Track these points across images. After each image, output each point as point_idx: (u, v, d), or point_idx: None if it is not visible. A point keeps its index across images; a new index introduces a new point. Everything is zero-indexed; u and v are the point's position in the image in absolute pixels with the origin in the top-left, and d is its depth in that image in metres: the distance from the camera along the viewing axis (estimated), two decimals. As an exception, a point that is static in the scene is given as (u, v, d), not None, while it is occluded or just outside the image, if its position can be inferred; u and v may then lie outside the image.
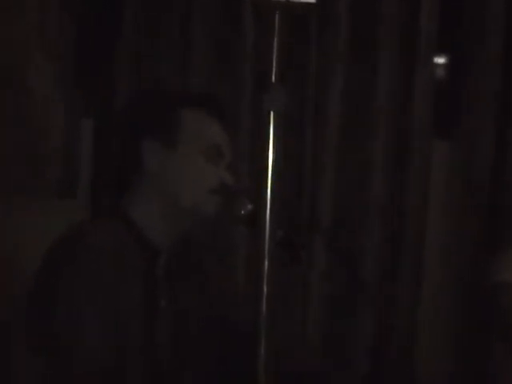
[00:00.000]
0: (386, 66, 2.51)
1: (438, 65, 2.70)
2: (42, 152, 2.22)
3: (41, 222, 2.13)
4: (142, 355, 1.60)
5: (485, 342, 2.50)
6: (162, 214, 1.66)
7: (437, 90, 2.59)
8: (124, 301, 1.56)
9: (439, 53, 2.68)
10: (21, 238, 2.11)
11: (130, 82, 2.30)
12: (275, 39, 1.16)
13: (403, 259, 2.53)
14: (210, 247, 1.90)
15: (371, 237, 2.50)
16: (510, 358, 2.23)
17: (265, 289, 1.16)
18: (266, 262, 1.17)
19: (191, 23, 2.34)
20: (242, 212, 1.65)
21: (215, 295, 1.81)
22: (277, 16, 1.14)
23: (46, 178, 2.22)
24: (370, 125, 2.51)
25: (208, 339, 1.75)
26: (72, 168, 2.27)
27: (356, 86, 2.51)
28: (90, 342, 1.50)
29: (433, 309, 2.60)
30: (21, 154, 2.20)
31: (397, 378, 2.50)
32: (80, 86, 2.32)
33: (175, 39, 2.34)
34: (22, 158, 2.20)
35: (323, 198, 2.47)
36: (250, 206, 1.65)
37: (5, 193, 2.17)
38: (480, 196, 2.58)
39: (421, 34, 2.50)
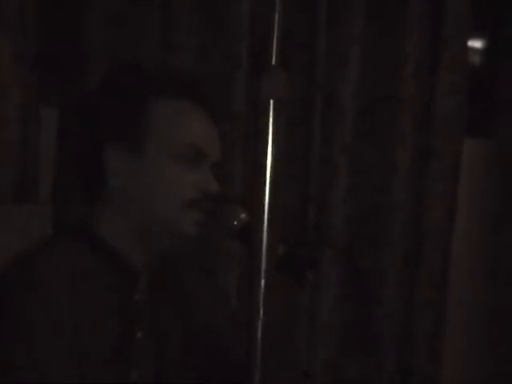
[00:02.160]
0: (409, 50, 2.50)
1: (471, 50, 2.70)
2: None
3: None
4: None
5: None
6: (136, 230, 1.62)
7: (469, 78, 2.58)
8: (89, 339, 1.53)
9: (472, 36, 2.68)
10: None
11: (102, 61, 2.26)
12: (276, 13, 1.14)
13: (426, 280, 2.52)
14: (196, 266, 1.88)
15: (390, 254, 2.49)
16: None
17: (261, 317, 1.15)
18: (263, 284, 1.16)
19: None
20: (235, 223, 1.62)
21: (202, 323, 1.78)
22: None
23: (0, 178, 2.20)
24: (390, 119, 2.50)
25: (194, 373, 1.73)
26: (30, 167, 2.24)
27: (373, 72, 2.50)
28: None
29: (460, 349, 2.61)
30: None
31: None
32: (40, 67, 2.29)
33: (156, 10, 2.31)
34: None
35: (334, 206, 2.46)
36: (243, 216, 1.62)
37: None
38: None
39: (449, 13, 2.50)
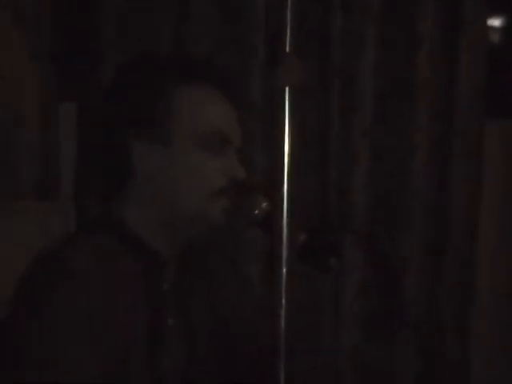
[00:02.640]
0: (427, 31, 2.48)
1: (491, 29, 2.67)
2: (15, 145, 2.20)
3: (15, 229, 2.12)
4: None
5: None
6: (163, 220, 1.62)
7: (489, 58, 2.55)
8: (122, 328, 1.53)
9: (493, 14, 2.65)
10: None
11: (117, 55, 2.26)
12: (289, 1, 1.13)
13: (451, 266, 2.50)
14: (222, 255, 1.88)
15: (413, 238, 2.47)
16: None
17: (283, 304, 1.15)
18: (284, 272, 1.15)
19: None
20: (256, 212, 1.61)
21: (230, 310, 1.78)
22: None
23: (21, 177, 2.21)
24: (410, 104, 2.48)
25: (223, 361, 1.72)
26: (51, 164, 2.25)
27: (392, 56, 2.48)
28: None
29: (488, 331, 2.59)
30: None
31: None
32: (59, 64, 2.30)
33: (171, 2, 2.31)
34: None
35: (356, 191, 2.44)
36: (265, 205, 1.61)
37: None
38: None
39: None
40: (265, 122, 2.29)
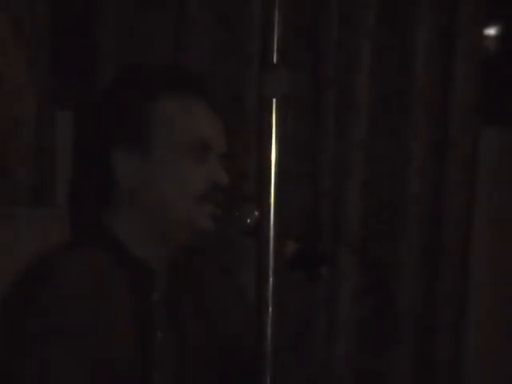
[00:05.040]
0: (422, 39, 2.48)
1: (486, 37, 2.67)
2: (10, 151, 2.21)
3: (8, 235, 2.13)
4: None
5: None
6: (151, 229, 1.62)
7: (485, 66, 2.56)
8: (109, 340, 1.53)
9: (488, 23, 2.66)
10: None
11: (114, 64, 2.27)
12: (276, 10, 1.13)
13: (446, 274, 2.50)
14: (213, 265, 1.87)
15: (408, 247, 2.47)
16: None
17: (270, 315, 1.14)
18: (271, 281, 1.15)
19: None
20: (248, 221, 1.61)
21: (221, 322, 1.77)
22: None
23: (16, 182, 2.21)
24: (405, 111, 2.48)
25: (215, 375, 1.72)
26: (46, 170, 2.26)
27: (387, 64, 2.48)
28: None
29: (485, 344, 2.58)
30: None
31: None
32: (54, 73, 2.30)
33: (168, 12, 2.31)
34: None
35: (350, 200, 2.45)
36: (257, 213, 1.61)
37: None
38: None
39: (463, 1, 2.48)
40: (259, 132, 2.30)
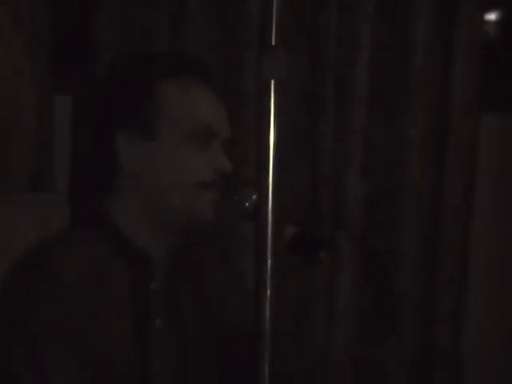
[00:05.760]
0: (421, 26, 2.48)
1: (486, 22, 2.66)
2: (9, 136, 2.20)
3: (7, 220, 2.12)
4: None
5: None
6: (152, 217, 1.61)
7: (485, 52, 2.55)
8: (107, 328, 1.53)
9: (488, 8, 2.65)
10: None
11: (113, 49, 2.27)
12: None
13: (445, 262, 2.50)
14: (212, 253, 1.87)
15: (408, 233, 2.47)
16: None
17: (268, 297, 1.14)
18: (269, 264, 1.15)
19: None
20: (247, 204, 1.61)
21: (220, 310, 1.76)
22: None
23: (15, 167, 2.21)
24: (404, 97, 2.48)
25: (214, 359, 1.71)
26: (45, 156, 2.25)
27: (386, 51, 2.48)
28: None
29: (484, 327, 2.58)
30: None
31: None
32: (54, 57, 2.30)
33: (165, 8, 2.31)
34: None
35: (349, 186, 2.44)
36: (255, 197, 1.60)
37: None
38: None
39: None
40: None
